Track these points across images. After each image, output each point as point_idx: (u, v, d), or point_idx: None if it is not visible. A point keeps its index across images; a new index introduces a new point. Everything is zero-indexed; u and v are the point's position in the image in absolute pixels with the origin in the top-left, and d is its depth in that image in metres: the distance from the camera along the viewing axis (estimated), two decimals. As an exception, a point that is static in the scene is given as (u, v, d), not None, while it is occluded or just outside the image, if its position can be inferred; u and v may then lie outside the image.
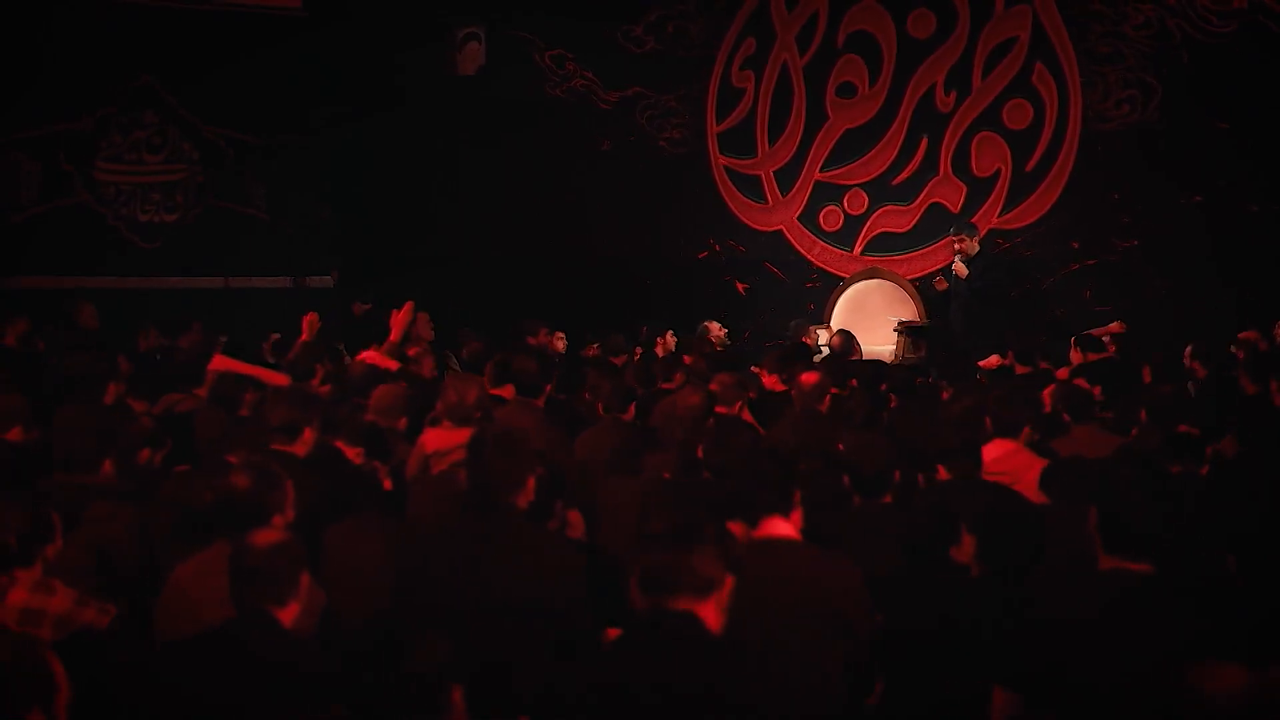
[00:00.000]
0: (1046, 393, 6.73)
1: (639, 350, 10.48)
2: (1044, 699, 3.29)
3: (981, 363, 9.01)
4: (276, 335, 10.63)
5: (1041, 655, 3.29)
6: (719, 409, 6.30)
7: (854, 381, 7.35)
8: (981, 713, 3.49)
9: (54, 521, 3.93)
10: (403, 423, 6.34)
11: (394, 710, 2.64)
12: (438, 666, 2.65)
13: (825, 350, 10.41)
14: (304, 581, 3.44)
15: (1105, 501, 3.34)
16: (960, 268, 11.04)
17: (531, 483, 4.19)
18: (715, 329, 11.01)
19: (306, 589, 3.47)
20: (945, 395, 7.41)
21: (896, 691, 4.00)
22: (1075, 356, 8.87)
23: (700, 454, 5.29)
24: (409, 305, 8.35)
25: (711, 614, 2.94)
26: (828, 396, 6.56)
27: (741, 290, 13.21)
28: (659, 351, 10.57)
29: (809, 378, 6.66)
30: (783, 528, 3.92)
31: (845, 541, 4.25)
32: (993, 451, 5.26)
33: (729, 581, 2.97)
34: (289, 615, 3.35)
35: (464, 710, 2.64)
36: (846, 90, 12.68)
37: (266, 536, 3.47)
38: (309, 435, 5.39)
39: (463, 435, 5.15)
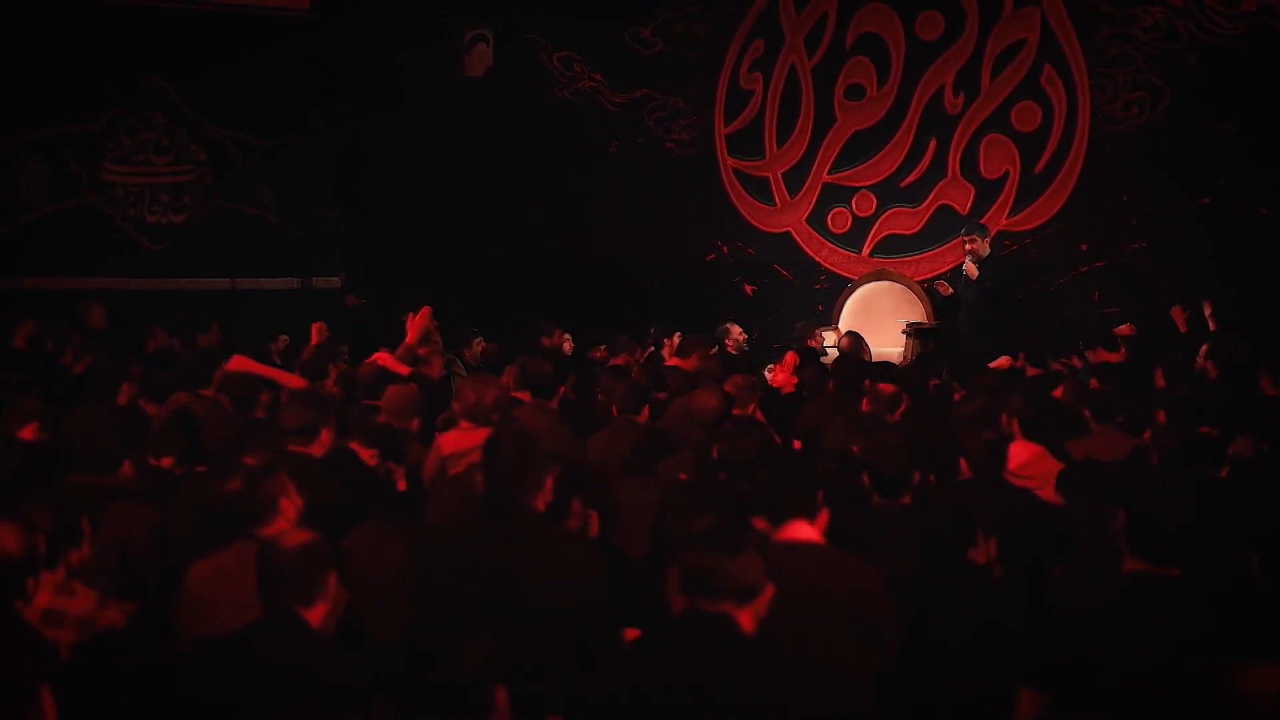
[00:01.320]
0: (1057, 393, 6.73)
1: (648, 349, 10.46)
2: (1072, 698, 3.28)
3: (991, 364, 8.98)
4: (285, 337, 10.65)
5: (1070, 654, 3.28)
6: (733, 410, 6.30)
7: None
8: (1005, 713, 3.48)
9: (82, 526, 3.93)
10: (415, 424, 6.34)
11: (435, 711, 2.63)
12: (480, 667, 2.64)
13: (833, 352, 10.37)
14: (331, 582, 3.44)
15: (1133, 504, 3.33)
16: (971, 269, 11.01)
17: (549, 483, 4.19)
18: (736, 332, 10.96)
19: (333, 590, 3.46)
20: (956, 397, 7.41)
21: (920, 692, 3.99)
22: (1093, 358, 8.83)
23: (715, 455, 5.28)
24: (426, 310, 8.32)
25: (745, 615, 2.94)
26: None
27: (749, 292, 13.19)
28: (666, 354, 10.54)
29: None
30: (805, 531, 3.91)
31: (865, 542, 4.25)
32: (1018, 456, 5.24)
33: (769, 589, 2.97)
34: (316, 616, 3.35)
35: (506, 710, 2.63)
36: (855, 92, 12.67)
37: (294, 537, 3.46)
38: (326, 436, 5.40)
39: (479, 437, 5.15)
